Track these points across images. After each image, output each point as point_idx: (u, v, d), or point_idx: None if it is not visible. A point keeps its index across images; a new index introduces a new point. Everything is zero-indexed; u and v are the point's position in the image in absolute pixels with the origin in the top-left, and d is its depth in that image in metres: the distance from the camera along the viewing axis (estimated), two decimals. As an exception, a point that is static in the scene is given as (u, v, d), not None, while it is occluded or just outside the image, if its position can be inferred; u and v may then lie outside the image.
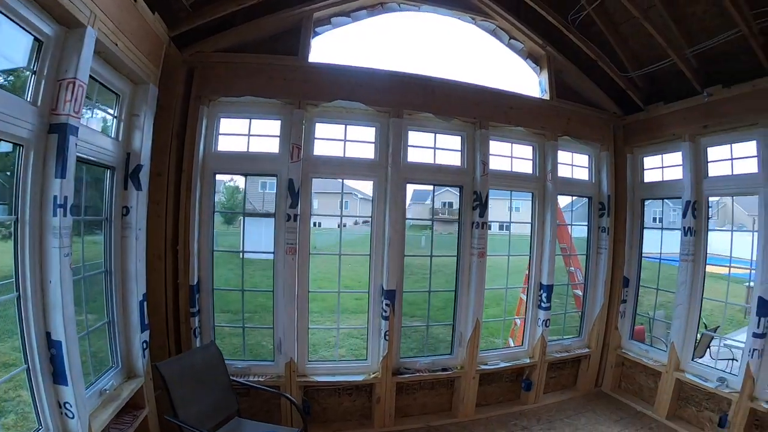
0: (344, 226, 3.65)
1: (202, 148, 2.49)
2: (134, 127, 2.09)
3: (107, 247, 2.03)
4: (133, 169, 2.08)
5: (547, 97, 3.22)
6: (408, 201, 3.03)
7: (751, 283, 2.96)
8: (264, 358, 3.47)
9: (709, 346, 3.50)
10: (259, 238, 3.75)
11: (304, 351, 2.71)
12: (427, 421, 2.88)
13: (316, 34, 2.77)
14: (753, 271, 2.71)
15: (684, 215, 2.94)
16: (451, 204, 13.71)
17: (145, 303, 2.14)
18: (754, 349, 2.52)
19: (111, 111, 2.03)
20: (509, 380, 3.22)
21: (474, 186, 2.98)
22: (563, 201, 3.81)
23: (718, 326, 3.61)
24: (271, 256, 2.68)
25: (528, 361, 3.19)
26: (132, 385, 2.00)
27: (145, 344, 2.13)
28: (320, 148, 2.76)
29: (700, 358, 3.18)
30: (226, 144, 2.65)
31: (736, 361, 2.94)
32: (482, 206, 2.94)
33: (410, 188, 3.01)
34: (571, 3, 2.81)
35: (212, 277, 2.59)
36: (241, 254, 3.85)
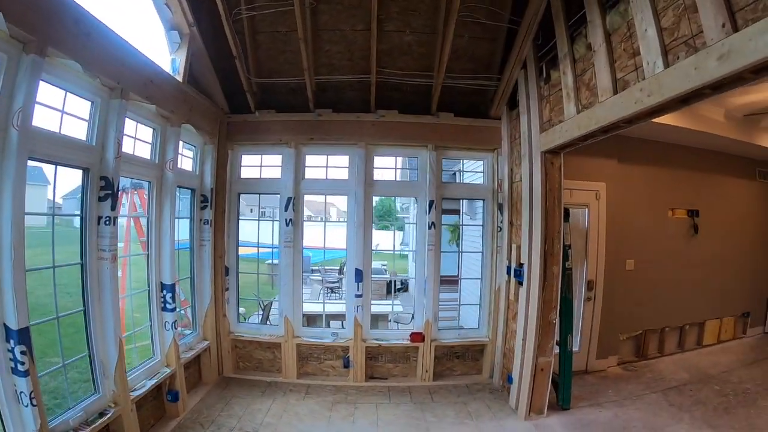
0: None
1: None
2: None
3: None
4: None
5: (180, 79, 4.06)
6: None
7: (274, 261, 5.36)
8: None
9: (269, 314, 5.88)
10: None
11: None
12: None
13: None
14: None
15: (285, 209, 4.89)
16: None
17: None
18: (357, 306, 4.82)
19: None
20: (153, 398, 3.78)
21: (104, 170, 3.12)
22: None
23: (274, 298, 5.94)
24: None
25: (168, 370, 3.90)
26: None
27: None
28: None
29: (266, 324, 5.25)
30: None
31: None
32: (114, 197, 3.15)
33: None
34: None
35: None
36: None
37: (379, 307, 6.31)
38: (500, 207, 5.15)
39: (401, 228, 18.07)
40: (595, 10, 3.18)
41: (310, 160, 5.06)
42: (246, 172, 5.12)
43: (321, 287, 8.54)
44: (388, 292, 9.60)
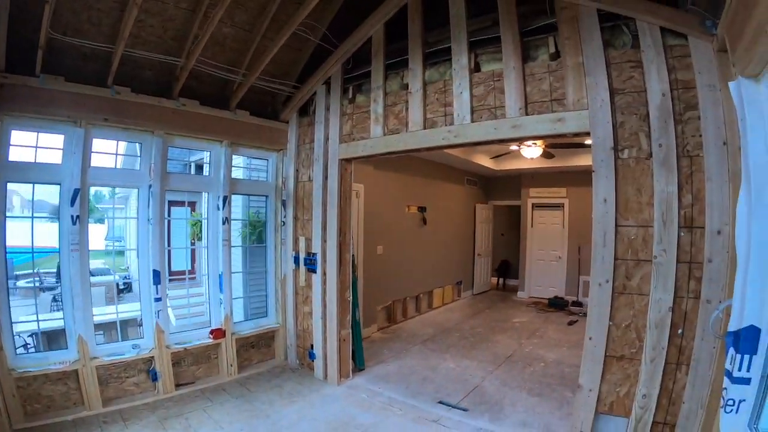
0: None
1: None
2: None
3: None
4: None
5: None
6: None
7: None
8: None
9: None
10: None
11: None
12: None
13: None
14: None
15: (72, 203, 4.10)
16: None
17: None
18: (158, 311, 4.51)
19: None
20: None
21: None
22: None
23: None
24: None
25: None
26: None
27: None
28: None
29: None
30: None
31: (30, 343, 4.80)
32: None
33: None
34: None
35: None
36: None
37: (124, 313, 5.75)
38: (284, 203, 5.79)
39: (100, 220, 16.17)
40: (419, 63, 4.37)
41: (97, 145, 4.29)
42: (15, 154, 3.86)
43: (37, 295, 6.74)
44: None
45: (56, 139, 4.07)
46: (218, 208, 5.14)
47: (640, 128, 3.20)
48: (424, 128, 4.25)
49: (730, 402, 2.33)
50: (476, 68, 4.02)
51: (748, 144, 2.32)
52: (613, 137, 3.26)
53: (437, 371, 5.43)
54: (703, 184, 2.96)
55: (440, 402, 4.57)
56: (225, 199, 5.13)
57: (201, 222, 7.11)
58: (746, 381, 2.22)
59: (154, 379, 4.52)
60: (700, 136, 2.95)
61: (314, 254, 5.25)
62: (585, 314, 8.16)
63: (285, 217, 5.72)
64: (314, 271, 5.27)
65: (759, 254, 2.24)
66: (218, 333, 5.03)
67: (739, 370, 2.25)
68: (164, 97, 4.60)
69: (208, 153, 5.22)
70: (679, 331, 3.06)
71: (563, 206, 9.94)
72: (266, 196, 5.86)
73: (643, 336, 3.18)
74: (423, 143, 4.28)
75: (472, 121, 3.92)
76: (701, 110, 2.95)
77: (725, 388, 2.36)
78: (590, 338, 3.37)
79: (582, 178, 9.10)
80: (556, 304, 9.19)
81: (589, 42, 3.37)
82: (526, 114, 3.65)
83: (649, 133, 3.15)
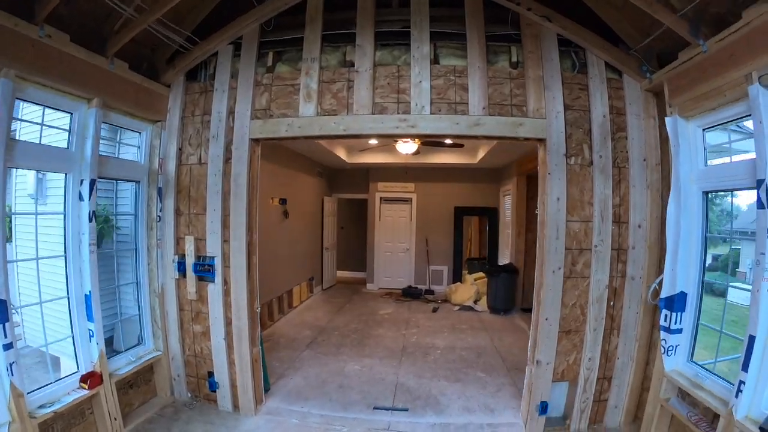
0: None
1: None
2: None
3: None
4: None
5: None
6: None
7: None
8: None
9: None
10: None
11: None
12: None
13: None
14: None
15: None
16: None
17: None
18: (10, 364, 2.90)
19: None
20: None
21: None
22: None
23: None
24: None
25: None
26: None
27: None
28: None
29: None
30: None
31: None
32: None
33: None
34: None
35: None
36: None
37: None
38: (160, 191, 4.56)
39: None
40: (369, 41, 4.16)
41: None
42: None
43: None
44: None
45: None
46: (81, 198, 3.71)
47: (584, 140, 4.00)
48: (373, 113, 4.07)
49: (670, 348, 3.42)
50: (435, 60, 4.13)
51: (679, 165, 3.38)
52: (565, 145, 3.97)
53: (347, 376, 5.18)
54: (628, 190, 3.94)
55: (376, 408, 4.44)
56: (92, 183, 3.72)
57: (8, 217, 5.13)
58: (679, 331, 3.37)
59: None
60: (627, 152, 3.95)
61: (210, 258, 4.34)
62: (442, 301, 9.37)
63: (162, 210, 4.52)
64: (210, 280, 4.35)
65: (685, 241, 3.33)
66: (94, 379, 3.63)
67: (674, 323, 3.36)
68: (22, 18, 2.98)
69: (70, 116, 3.64)
70: (611, 303, 3.99)
71: (411, 200, 10.78)
72: (137, 182, 4.49)
73: (586, 311, 3.98)
74: (370, 129, 4.08)
75: (431, 112, 4.01)
76: (628, 132, 3.94)
77: (664, 339, 3.43)
78: (546, 319, 3.96)
79: (430, 174, 10.32)
80: (411, 294, 9.94)
81: (549, 60, 3.99)
82: (488, 114, 3.97)
83: (591, 145, 3.97)
